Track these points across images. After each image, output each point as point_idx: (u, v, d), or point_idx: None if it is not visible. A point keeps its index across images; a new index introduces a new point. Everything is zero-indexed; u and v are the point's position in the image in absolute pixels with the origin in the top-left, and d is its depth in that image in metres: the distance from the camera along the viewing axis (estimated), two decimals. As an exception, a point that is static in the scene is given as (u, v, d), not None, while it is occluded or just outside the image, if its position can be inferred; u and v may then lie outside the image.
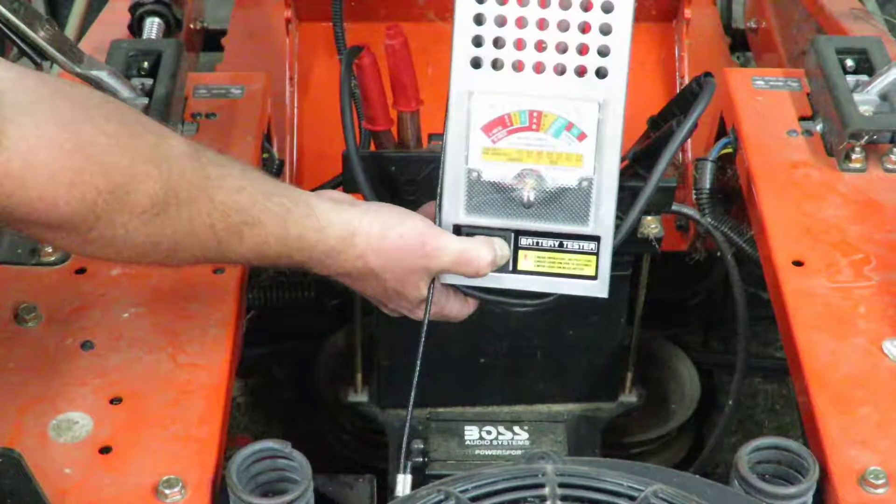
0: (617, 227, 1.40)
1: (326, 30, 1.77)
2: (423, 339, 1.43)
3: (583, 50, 1.33)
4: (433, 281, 1.42)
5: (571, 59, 1.33)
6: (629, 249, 1.65)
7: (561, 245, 1.40)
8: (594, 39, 1.32)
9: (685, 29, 2.25)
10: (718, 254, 1.80)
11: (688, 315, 2.26)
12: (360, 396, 1.89)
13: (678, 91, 1.97)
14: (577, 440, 1.83)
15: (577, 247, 1.40)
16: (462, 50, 1.34)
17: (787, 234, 1.63)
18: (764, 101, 1.86)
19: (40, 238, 1.20)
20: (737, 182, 1.83)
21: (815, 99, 1.84)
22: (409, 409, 1.41)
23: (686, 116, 1.46)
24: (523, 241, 1.40)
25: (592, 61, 1.33)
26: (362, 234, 1.36)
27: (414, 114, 1.57)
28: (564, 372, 1.85)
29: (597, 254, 1.40)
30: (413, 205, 1.48)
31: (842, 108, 1.73)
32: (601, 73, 1.33)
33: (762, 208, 1.67)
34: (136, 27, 2.06)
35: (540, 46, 1.33)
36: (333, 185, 1.62)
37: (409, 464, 1.37)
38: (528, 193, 1.38)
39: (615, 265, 1.43)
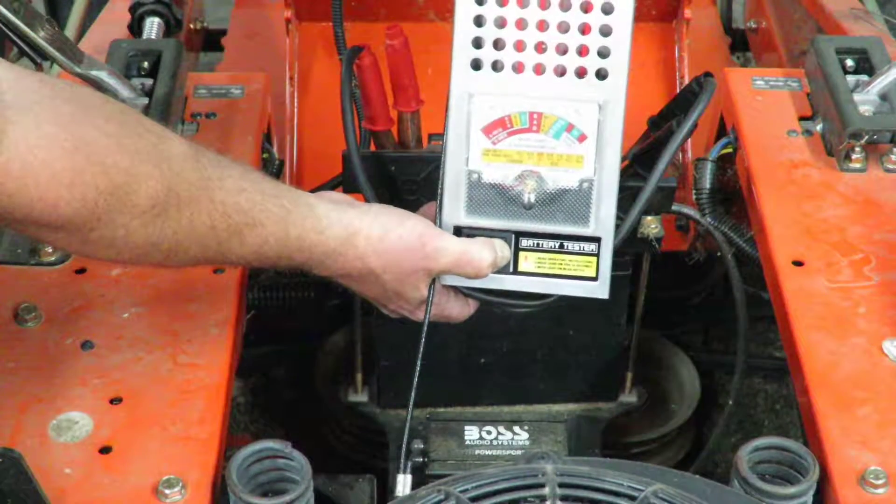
0: (617, 227, 1.40)
1: (326, 30, 1.77)
2: (423, 340, 1.43)
3: (583, 51, 1.33)
4: (433, 282, 1.42)
5: (571, 61, 1.33)
6: (629, 249, 1.65)
7: (561, 246, 1.40)
8: (594, 41, 1.32)
9: (685, 29, 2.25)
10: (718, 254, 1.80)
11: (688, 315, 2.26)
12: (360, 396, 1.89)
13: (678, 91, 1.97)
14: (577, 440, 1.83)
15: (577, 248, 1.40)
16: (462, 51, 1.34)
17: (787, 234, 1.63)
18: (764, 101, 1.86)
19: (41, 238, 1.20)
20: (737, 182, 1.83)
21: (815, 99, 1.84)
22: (410, 409, 1.41)
23: (686, 116, 1.46)
24: (524, 242, 1.41)
25: (592, 63, 1.33)
26: (362, 236, 1.36)
27: (414, 114, 1.57)
28: (564, 372, 1.85)
29: (597, 255, 1.40)
30: (413, 205, 1.48)
31: (842, 108, 1.73)
32: (601, 75, 1.33)
33: (762, 208, 1.67)
34: (136, 27, 2.06)
35: (540, 48, 1.33)
36: (333, 185, 1.62)
37: (409, 464, 1.37)
38: (529, 195, 1.38)
39: (615, 265, 1.43)
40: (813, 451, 1.33)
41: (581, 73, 1.34)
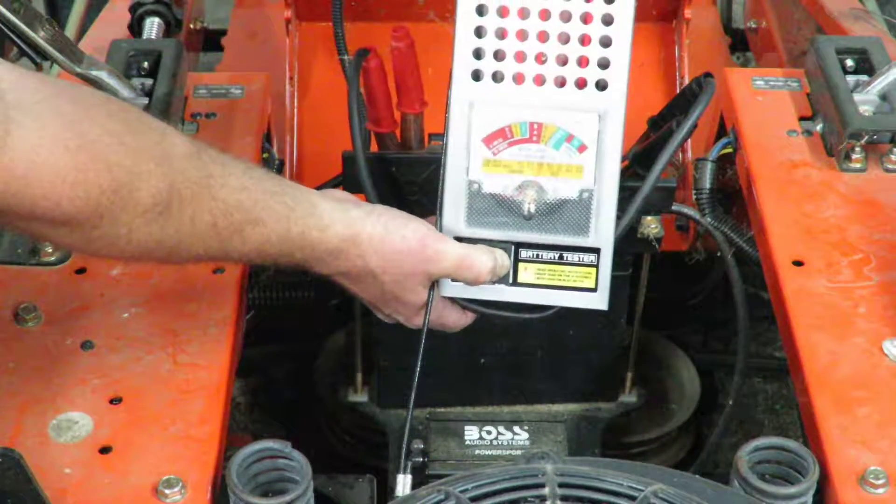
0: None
1: (326, 30, 1.77)
2: (423, 340, 1.43)
3: (583, 62, 1.34)
4: (434, 285, 1.42)
5: (572, 72, 1.34)
6: (629, 249, 1.65)
7: (561, 257, 1.41)
8: (594, 52, 1.33)
9: (685, 29, 2.25)
10: (718, 254, 1.80)
11: (688, 315, 2.26)
12: (360, 396, 1.89)
13: (678, 91, 1.97)
14: (577, 440, 1.83)
15: (576, 259, 1.41)
16: (463, 62, 1.34)
17: (787, 234, 1.63)
18: (764, 101, 1.86)
19: (44, 236, 1.21)
20: (737, 182, 1.83)
21: (815, 99, 1.84)
22: (410, 409, 1.41)
23: (686, 117, 1.46)
24: (523, 253, 1.41)
25: (593, 73, 1.34)
26: (365, 235, 1.36)
27: (418, 115, 1.58)
28: (564, 372, 1.85)
29: (596, 266, 1.41)
30: (414, 205, 1.48)
31: (842, 108, 1.73)
32: (601, 86, 1.34)
33: (762, 208, 1.67)
34: (136, 27, 2.06)
35: (540, 59, 1.34)
36: (333, 185, 1.62)
37: (409, 464, 1.37)
38: (529, 205, 1.38)
39: (615, 265, 1.43)
40: (813, 451, 1.33)
41: (581, 83, 1.34)
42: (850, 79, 1.80)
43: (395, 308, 1.45)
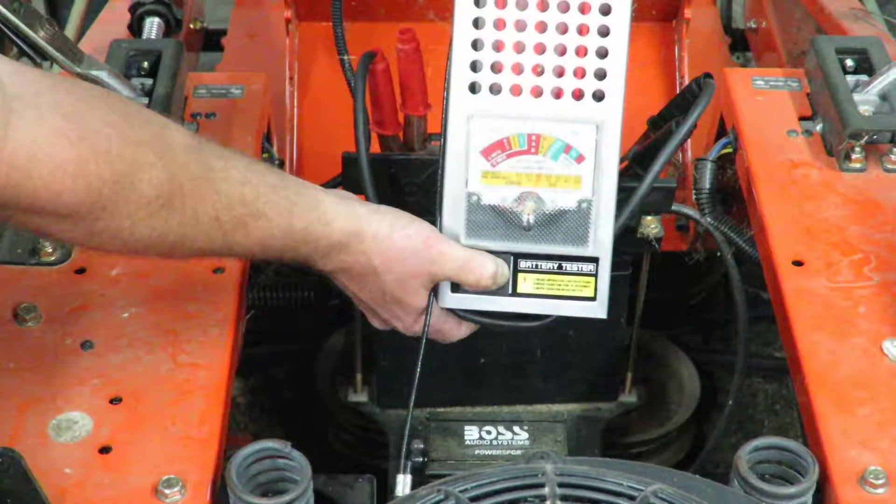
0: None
1: (326, 30, 1.77)
2: (423, 341, 1.43)
3: (580, 73, 1.34)
4: (436, 287, 1.42)
5: (569, 83, 1.35)
6: (629, 249, 1.65)
7: (560, 267, 1.41)
8: (591, 63, 1.34)
9: (685, 29, 2.25)
10: (718, 254, 1.80)
11: (688, 315, 2.26)
12: (360, 396, 1.89)
13: (678, 91, 1.97)
14: (577, 440, 1.83)
15: (575, 268, 1.41)
16: (460, 74, 1.35)
17: (787, 234, 1.63)
18: (764, 101, 1.86)
19: (47, 231, 1.20)
20: (737, 182, 1.83)
21: (815, 99, 1.84)
22: (410, 409, 1.41)
23: (685, 117, 1.46)
24: (522, 263, 1.42)
25: (589, 84, 1.34)
26: (369, 231, 1.36)
27: (422, 117, 1.58)
28: (564, 372, 1.85)
29: (595, 275, 1.42)
30: (413, 206, 1.48)
31: (842, 108, 1.73)
32: (598, 96, 1.34)
33: (762, 208, 1.67)
34: (136, 27, 2.06)
35: (537, 70, 1.34)
36: (332, 185, 1.62)
37: (409, 464, 1.37)
38: (528, 216, 1.38)
39: (615, 265, 1.43)
40: (813, 451, 1.33)
41: (578, 94, 1.35)
42: (850, 79, 1.80)
43: (394, 312, 1.45)
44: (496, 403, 1.86)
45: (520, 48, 1.34)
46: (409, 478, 1.36)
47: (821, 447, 1.37)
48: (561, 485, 1.17)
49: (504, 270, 1.41)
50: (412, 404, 1.42)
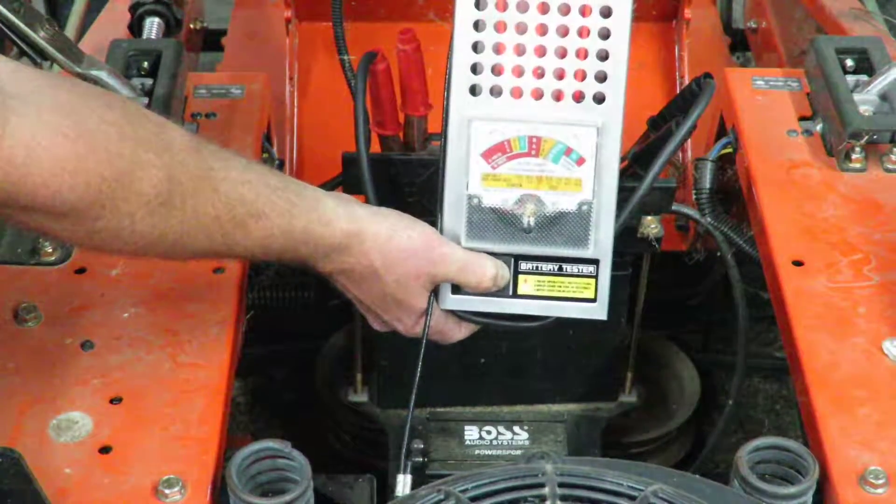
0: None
1: (326, 30, 1.77)
2: (424, 342, 1.43)
3: (580, 76, 1.34)
4: (436, 289, 1.42)
5: (569, 85, 1.34)
6: (629, 249, 1.65)
7: (560, 269, 1.42)
8: (592, 65, 1.34)
9: (685, 29, 2.25)
10: (718, 254, 1.80)
11: (688, 315, 2.26)
12: (360, 396, 1.89)
13: (678, 91, 1.97)
14: (577, 440, 1.83)
15: (576, 270, 1.42)
16: (461, 77, 1.35)
17: (787, 234, 1.63)
18: (764, 101, 1.86)
19: (47, 230, 1.20)
20: (737, 182, 1.83)
21: (815, 99, 1.84)
22: (410, 409, 1.41)
23: (685, 117, 1.46)
24: (523, 265, 1.42)
25: (590, 87, 1.34)
26: (370, 233, 1.36)
27: (422, 117, 1.58)
28: (564, 372, 1.85)
29: (596, 276, 1.42)
30: (413, 207, 1.48)
31: (842, 108, 1.73)
32: (599, 99, 1.34)
33: (762, 208, 1.67)
34: (136, 27, 2.06)
35: (537, 73, 1.34)
36: (332, 185, 1.62)
37: (409, 464, 1.37)
38: (528, 218, 1.39)
39: (615, 265, 1.43)
40: (813, 451, 1.33)
41: (578, 97, 1.35)
42: (850, 79, 1.80)
43: (394, 314, 1.45)
44: (496, 403, 1.86)
45: (520, 50, 1.34)
46: (409, 478, 1.36)
47: (821, 447, 1.37)
48: (561, 485, 1.17)
49: (504, 272, 1.41)
50: (412, 404, 1.42)
